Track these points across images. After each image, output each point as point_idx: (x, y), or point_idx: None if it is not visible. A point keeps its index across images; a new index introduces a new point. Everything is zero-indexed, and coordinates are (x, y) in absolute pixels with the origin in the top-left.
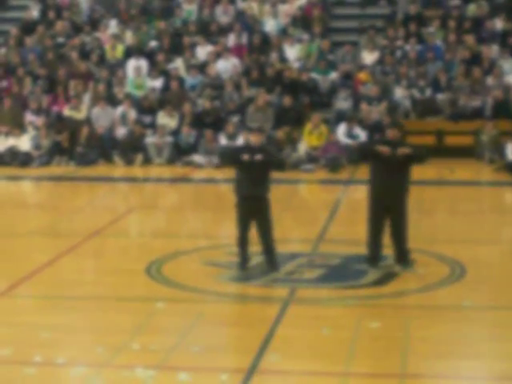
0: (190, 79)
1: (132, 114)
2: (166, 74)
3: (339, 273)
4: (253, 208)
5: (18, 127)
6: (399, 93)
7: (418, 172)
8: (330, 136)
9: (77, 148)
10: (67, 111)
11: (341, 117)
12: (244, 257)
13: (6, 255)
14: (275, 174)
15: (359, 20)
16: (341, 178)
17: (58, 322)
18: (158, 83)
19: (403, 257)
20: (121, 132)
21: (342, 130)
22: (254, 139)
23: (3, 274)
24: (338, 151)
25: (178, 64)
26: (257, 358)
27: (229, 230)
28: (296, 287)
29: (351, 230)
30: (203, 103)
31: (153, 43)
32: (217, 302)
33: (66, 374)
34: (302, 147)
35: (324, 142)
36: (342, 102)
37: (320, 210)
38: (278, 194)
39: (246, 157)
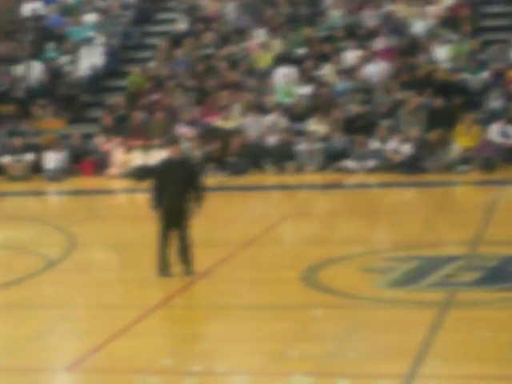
0: (340, 85)
1: (282, 122)
2: (315, 80)
3: (497, 275)
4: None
5: None
6: None
7: None
8: (484, 136)
9: (229, 158)
10: (218, 121)
11: (493, 116)
12: None
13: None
14: (428, 177)
15: (509, 17)
16: (496, 178)
17: (216, 332)
18: (307, 90)
19: None
20: (272, 140)
21: (495, 129)
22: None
23: (161, 285)
24: (492, 151)
25: (327, 70)
26: (416, 363)
27: (383, 234)
28: (454, 290)
29: (508, 231)
30: (353, 108)
31: (301, 50)
32: (374, 308)
33: (226, 383)
34: (456, 148)
35: (477, 142)
36: (494, 102)
37: (475, 211)
38: (432, 197)
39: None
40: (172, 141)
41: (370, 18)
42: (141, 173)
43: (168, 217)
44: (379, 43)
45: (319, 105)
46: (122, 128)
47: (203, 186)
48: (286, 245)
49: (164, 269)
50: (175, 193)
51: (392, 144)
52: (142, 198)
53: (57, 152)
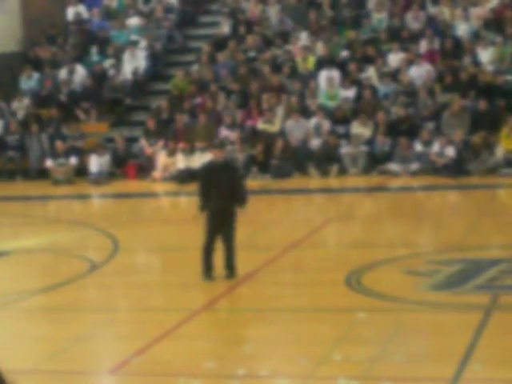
0: (383, 87)
1: (326, 125)
2: (358, 83)
3: None
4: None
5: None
6: None
7: None
8: None
9: (272, 161)
10: (261, 125)
11: None
12: None
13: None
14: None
15: None
16: None
17: (259, 335)
18: (350, 93)
19: None
20: (315, 143)
21: None
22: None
23: (204, 288)
24: None
25: (371, 73)
26: (460, 367)
27: (427, 237)
28: (498, 294)
29: None
30: (397, 111)
31: (344, 53)
32: (417, 311)
33: None
34: (500, 151)
35: None
36: None
37: None
38: (476, 199)
39: None
40: (217, 144)
41: (413, 20)
42: (184, 176)
43: (214, 220)
44: (423, 45)
45: (362, 108)
46: (166, 131)
47: (245, 189)
48: (329, 248)
49: (207, 272)
50: (219, 196)
51: (435, 147)
52: (185, 202)
53: (100, 155)
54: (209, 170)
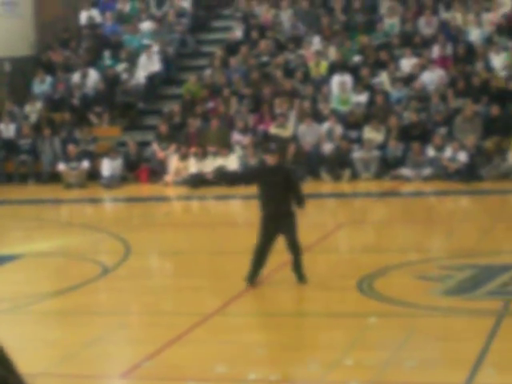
0: (396, 92)
1: (338, 130)
2: (370, 88)
3: None
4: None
5: (226, 147)
6: None
7: None
8: None
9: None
10: (273, 129)
11: None
12: None
13: (217, 273)
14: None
15: None
16: None
17: (270, 339)
18: (363, 98)
19: None
20: (327, 148)
21: None
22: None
23: (216, 293)
24: None
25: (383, 78)
26: (472, 373)
27: (439, 243)
28: (510, 299)
29: None
30: (409, 116)
31: (356, 58)
32: (429, 316)
33: None
34: None
35: None
36: None
37: None
38: (488, 205)
39: None
40: (270, 149)
41: (425, 25)
42: (196, 180)
43: (269, 224)
44: (435, 51)
45: (375, 112)
46: (178, 136)
47: (301, 190)
48: (341, 253)
49: (252, 277)
50: (272, 199)
51: (448, 152)
52: (196, 206)
53: (112, 159)
54: (261, 173)
